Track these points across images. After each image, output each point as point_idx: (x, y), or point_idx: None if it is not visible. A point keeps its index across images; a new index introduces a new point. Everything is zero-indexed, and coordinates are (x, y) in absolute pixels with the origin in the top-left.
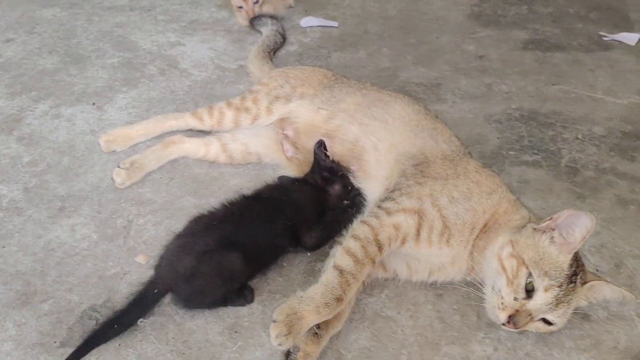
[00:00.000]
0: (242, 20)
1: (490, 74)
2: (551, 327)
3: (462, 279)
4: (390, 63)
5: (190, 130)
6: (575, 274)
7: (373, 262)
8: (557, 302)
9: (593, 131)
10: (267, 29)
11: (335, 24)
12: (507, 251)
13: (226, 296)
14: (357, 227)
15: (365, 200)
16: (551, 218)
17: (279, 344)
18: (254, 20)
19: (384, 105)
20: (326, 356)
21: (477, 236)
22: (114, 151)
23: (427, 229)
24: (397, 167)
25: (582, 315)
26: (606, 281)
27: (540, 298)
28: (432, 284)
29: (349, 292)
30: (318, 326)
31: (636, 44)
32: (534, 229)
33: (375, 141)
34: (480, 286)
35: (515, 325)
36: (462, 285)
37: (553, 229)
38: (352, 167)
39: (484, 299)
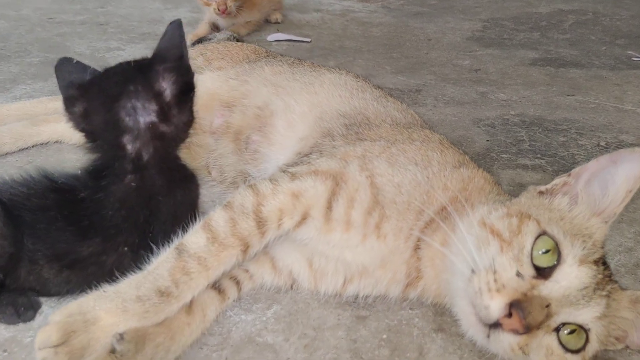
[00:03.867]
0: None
1: (487, 84)
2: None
3: (401, 294)
4: (363, 71)
5: None
6: (605, 262)
7: (245, 245)
8: (594, 290)
9: (620, 139)
10: (221, 35)
11: (307, 39)
12: (500, 213)
13: None
14: (238, 191)
15: None
16: (569, 174)
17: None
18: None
19: (314, 72)
20: None
21: (427, 224)
22: None
23: (346, 200)
24: (318, 127)
25: None
26: None
27: (569, 275)
28: (352, 300)
29: (184, 286)
30: (122, 336)
31: None
32: (540, 191)
33: (289, 102)
34: (429, 307)
35: (521, 322)
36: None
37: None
38: (253, 138)
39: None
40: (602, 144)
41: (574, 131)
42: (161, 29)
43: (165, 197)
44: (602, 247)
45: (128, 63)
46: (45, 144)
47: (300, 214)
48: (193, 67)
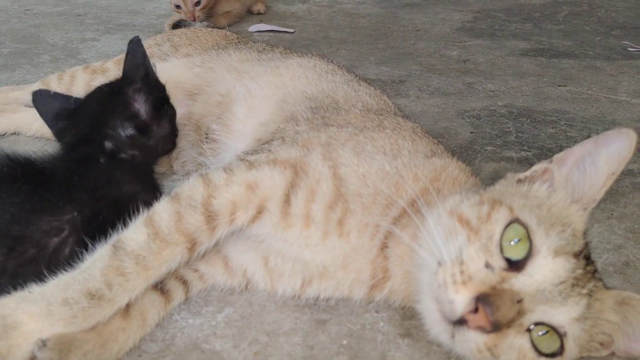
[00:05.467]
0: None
1: (474, 74)
2: None
3: (366, 296)
4: (346, 62)
5: None
6: (588, 257)
7: (191, 242)
8: (572, 286)
9: None
10: (199, 25)
11: (291, 30)
12: (471, 201)
13: None
14: (188, 181)
15: None
16: (551, 160)
17: None
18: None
19: (282, 57)
20: None
21: (396, 220)
22: None
23: (306, 193)
24: (281, 110)
25: None
26: None
27: (543, 268)
28: (312, 302)
29: (119, 288)
30: (44, 343)
31: None
32: (519, 179)
33: (251, 86)
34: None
35: (488, 318)
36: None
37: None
38: (213, 126)
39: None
40: (593, 135)
41: (564, 122)
42: (140, 20)
43: (127, 190)
44: (584, 238)
45: (101, 89)
46: (2, 135)
47: (255, 207)
48: (157, 53)
